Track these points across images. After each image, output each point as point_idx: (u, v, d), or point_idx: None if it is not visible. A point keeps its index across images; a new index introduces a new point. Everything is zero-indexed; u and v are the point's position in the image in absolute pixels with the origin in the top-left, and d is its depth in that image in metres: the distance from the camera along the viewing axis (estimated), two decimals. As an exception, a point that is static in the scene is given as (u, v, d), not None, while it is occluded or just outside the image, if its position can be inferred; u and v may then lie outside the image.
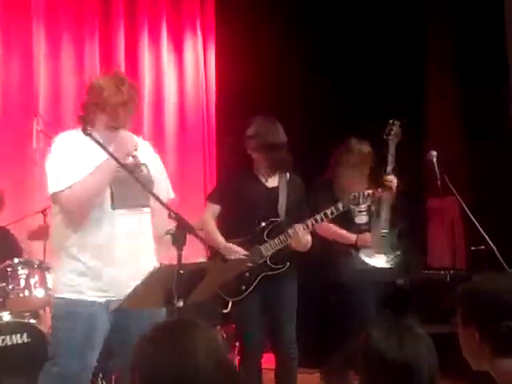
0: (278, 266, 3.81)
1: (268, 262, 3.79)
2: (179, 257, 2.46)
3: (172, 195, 3.25)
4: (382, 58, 6.02)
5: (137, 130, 5.99)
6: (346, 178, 4.34)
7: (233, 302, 3.78)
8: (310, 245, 3.81)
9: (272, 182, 3.90)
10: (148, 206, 3.07)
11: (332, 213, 3.86)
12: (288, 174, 3.94)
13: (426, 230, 6.29)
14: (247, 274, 3.75)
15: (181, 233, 2.47)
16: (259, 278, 3.77)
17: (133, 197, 3.00)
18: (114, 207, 2.96)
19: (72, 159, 2.94)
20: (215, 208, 3.88)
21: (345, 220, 4.28)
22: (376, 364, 1.77)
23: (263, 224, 3.81)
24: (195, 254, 3.01)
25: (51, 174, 2.93)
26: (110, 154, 2.79)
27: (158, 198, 2.63)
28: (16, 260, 4.47)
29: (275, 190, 3.88)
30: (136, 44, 6.09)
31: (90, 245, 2.95)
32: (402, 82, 5.98)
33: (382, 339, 1.78)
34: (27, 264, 4.44)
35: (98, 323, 2.97)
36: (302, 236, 3.74)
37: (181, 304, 2.46)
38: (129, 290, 2.89)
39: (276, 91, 6.01)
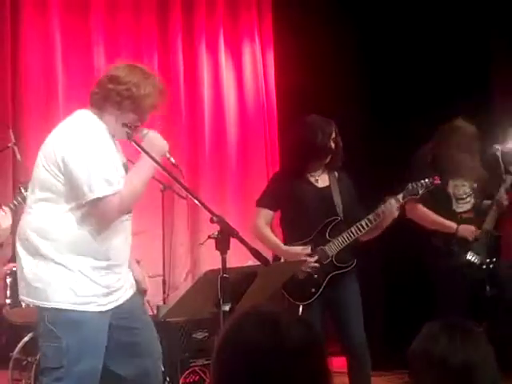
0: (345, 265, 3.75)
1: (334, 261, 3.73)
2: (223, 261, 2.44)
3: None
4: (444, 63, 5.87)
5: (199, 139, 6.14)
6: (449, 159, 4.13)
7: (303, 307, 3.69)
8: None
9: (322, 181, 3.86)
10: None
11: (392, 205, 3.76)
12: (336, 173, 3.90)
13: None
14: (315, 275, 3.71)
15: (224, 237, 2.45)
16: (327, 278, 3.72)
17: None
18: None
19: (111, 157, 2.80)
20: (267, 213, 3.84)
21: (442, 207, 4.13)
22: (437, 367, 1.67)
23: (323, 224, 3.75)
24: (242, 258, 2.97)
25: (98, 175, 2.69)
26: (154, 159, 2.76)
27: (196, 198, 2.60)
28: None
29: (327, 189, 3.83)
30: (194, 54, 6.14)
31: (107, 251, 2.82)
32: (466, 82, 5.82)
33: (444, 342, 1.68)
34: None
35: (103, 333, 2.82)
36: (395, 210, 3.68)
37: (227, 308, 2.44)
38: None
39: (335, 94, 5.97)
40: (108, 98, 2.81)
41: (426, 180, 3.83)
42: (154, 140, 2.84)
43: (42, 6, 5.62)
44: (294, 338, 1.41)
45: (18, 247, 2.85)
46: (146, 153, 2.77)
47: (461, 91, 5.69)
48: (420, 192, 3.81)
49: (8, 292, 4.32)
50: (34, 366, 4.14)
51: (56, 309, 2.73)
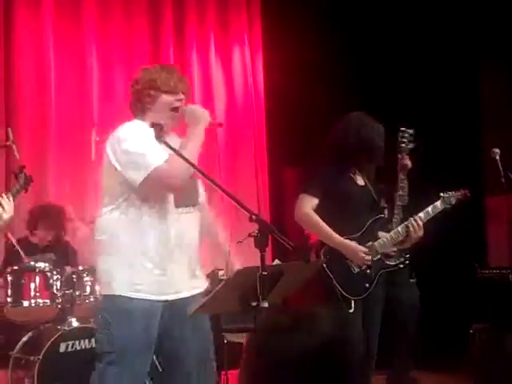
0: (394, 263, 3.72)
1: (382, 258, 3.69)
2: (263, 258, 2.48)
3: None
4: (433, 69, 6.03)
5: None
6: None
7: (356, 301, 3.60)
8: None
9: (360, 180, 3.79)
10: (198, 204, 3.08)
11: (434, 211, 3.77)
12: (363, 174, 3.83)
13: (485, 229, 6.24)
14: (368, 271, 3.65)
15: (264, 235, 2.48)
16: (378, 275, 3.67)
17: (189, 195, 3.02)
18: (177, 205, 2.95)
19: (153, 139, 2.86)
20: (313, 201, 3.66)
21: None
22: None
23: (372, 220, 3.70)
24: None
25: (145, 151, 2.81)
26: (182, 157, 2.81)
27: (235, 199, 2.66)
28: (81, 267, 4.55)
29: (366, 188, 3.76)
30: (185, 58, 6.22)
31: (158, 244, 2.91)
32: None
33: None
34: (92, 271, 4.50)
35: (154, 322, 2.90)
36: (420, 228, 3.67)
37: (266, 305, 2.48)
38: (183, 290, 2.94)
39: (323, 98, 6.05)
40: None
41: (460, 192, 3.82)
42: (195, 112, 2.94)
43: (35, 9, 5.63)
44: (327, 338, 1.46)
45: None
46: (178, 154, 2.81)
47: (451, 105, 5.86)
48: (452, 201, 3.78)
49: (9, 291, 4.28)
50: (37, 365, 4.11)
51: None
